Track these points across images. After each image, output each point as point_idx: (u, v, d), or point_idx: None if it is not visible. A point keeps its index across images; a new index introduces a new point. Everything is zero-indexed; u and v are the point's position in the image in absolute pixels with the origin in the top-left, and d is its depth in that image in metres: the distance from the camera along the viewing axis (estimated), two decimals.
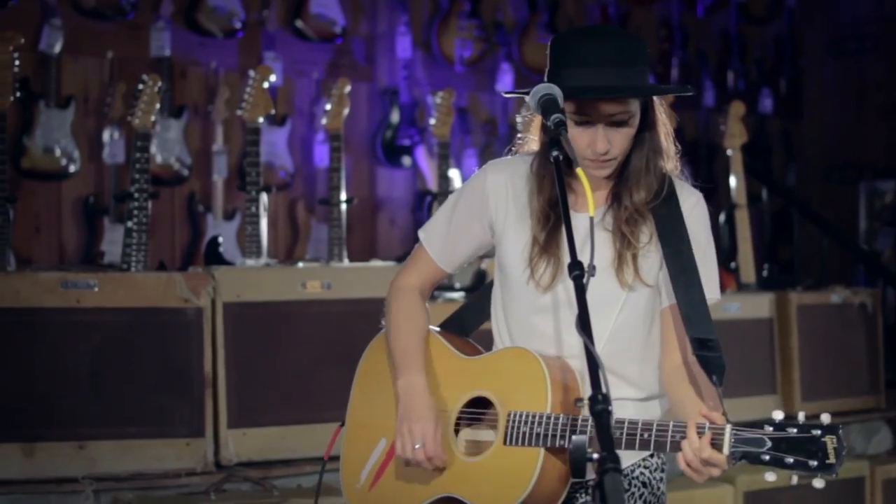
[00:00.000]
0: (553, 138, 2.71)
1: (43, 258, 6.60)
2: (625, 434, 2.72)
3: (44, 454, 4.52)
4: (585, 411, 2.44)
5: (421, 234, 3.13)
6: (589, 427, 2.75)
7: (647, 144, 2.92)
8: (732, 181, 6.59)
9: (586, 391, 2.40)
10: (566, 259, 2.78)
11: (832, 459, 2.54)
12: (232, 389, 4.82)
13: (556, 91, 2.76)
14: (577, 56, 2.83)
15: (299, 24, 7.45)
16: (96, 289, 4.66)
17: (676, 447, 2.68)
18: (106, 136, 6.68)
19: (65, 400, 4.57)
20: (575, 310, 2.52)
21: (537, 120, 2.98)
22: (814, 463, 2.56)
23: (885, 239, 8.57)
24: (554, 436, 2.79)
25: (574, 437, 2.40)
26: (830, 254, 7.07)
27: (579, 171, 2.63)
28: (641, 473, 2.99)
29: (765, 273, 7.06)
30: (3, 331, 4.53)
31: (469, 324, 3.24)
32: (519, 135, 3.09)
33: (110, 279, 4.72)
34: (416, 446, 2.90)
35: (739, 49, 9.31)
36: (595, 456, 2.32)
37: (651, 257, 2.93)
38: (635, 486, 2.98)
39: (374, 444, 3.09)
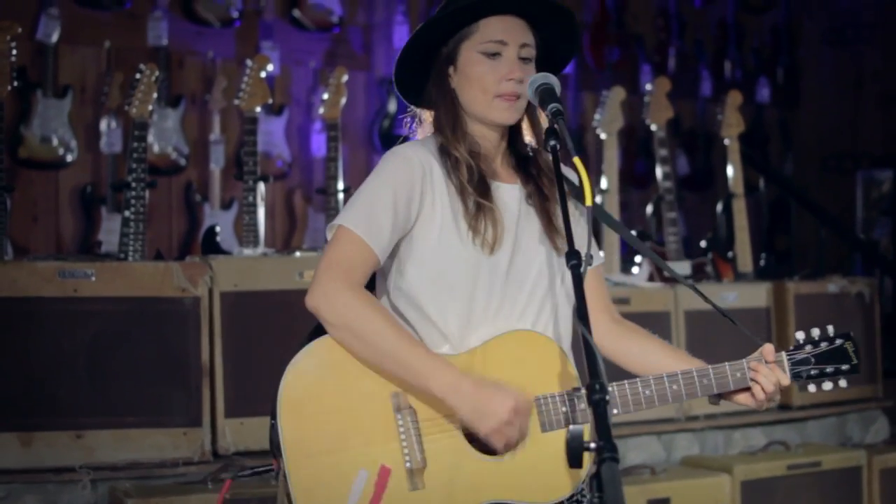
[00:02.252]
0: (550, 128, 2.74)
1: (40, 247, 6.59)
2: (682, 384, 2.83)
3: (41, 443, 4.52)
4: None
5: (349, 223, 2.75)
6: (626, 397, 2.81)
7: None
8: (730, 171, 6.58)
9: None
10: (505, 221, 2.83)
11: (855, 360, 2.93)
12: (229, 379, 4.82)
13: (553, 80, 2.78)
14: None
15: (296, 13, 7.44)
16: (93, 278, 4.65)
17: (740, 383, 2.87)
18: (103, 125, 6.67)
19: (62, 389, 4.57)
20: (513, 281, 2.72)
21: (427, 112, 2.97)
22: (846, 366, 2.93)
23: (882, 228, 8.57)
24: None
25: (571, 427, 2.40)
26: (828, 243, 7.07)
27: (576, 160, 2.65)
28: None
29: (762, 262, 7.05)
30: (0, 320, 4.53)
31: None
32: (413, 125, 3.02)
33: (108, 268, 4.71)
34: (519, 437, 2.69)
35: (737, 38, 9.30)
36: (593, 445, 2.32)
37: (576, 218, 2.95)
38: None
39: (349, 479, 2.69)
